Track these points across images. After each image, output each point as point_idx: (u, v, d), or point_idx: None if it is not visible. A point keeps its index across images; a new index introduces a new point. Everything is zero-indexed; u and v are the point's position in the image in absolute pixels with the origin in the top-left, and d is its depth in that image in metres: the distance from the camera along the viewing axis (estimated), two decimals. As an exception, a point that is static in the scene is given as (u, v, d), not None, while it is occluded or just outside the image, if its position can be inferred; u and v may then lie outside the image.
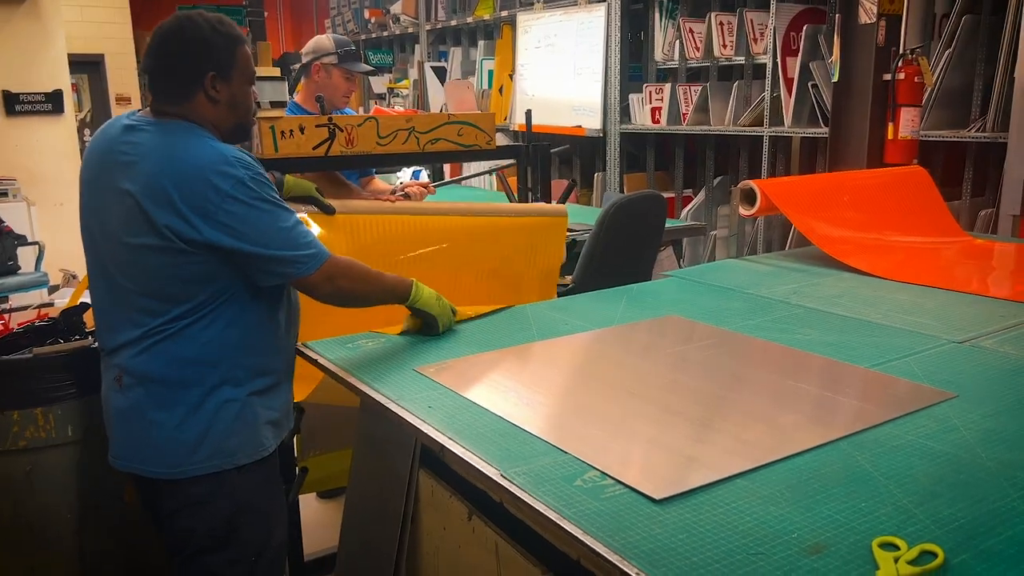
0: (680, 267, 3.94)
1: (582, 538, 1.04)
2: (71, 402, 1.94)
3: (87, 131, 9.38)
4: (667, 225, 3.61)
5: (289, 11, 12.09)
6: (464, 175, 5.19)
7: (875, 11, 3.10)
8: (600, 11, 5.35)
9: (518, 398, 1.51)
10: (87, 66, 9.00)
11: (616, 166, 5.43)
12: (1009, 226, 3.52)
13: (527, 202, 2.69)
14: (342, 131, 2.23)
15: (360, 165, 2.62)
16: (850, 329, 1.88)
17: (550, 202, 2.65)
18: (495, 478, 1.21)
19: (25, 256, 5.16)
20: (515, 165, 2.69)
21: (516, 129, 6.10)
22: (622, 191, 5.38)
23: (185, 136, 1.61)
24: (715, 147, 5.24)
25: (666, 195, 5.30)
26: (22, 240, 5.14)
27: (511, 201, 2.83)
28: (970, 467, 1.21)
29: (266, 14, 7.52)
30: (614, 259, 3.18)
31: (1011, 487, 1.15)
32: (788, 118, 4.42)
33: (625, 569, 0.98)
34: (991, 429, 1.34)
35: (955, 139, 3.78)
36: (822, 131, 4.27)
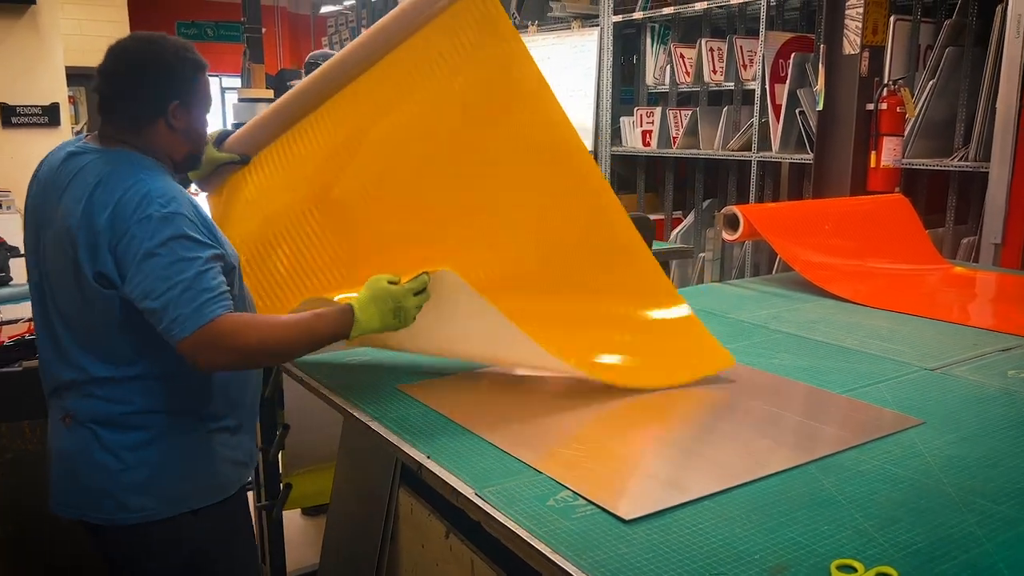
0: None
1: (551, 556, 1.07)
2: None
3: (83, 143, 9.42)
4: (654, 247, 3.66)
5: (288, 28, 12.20)
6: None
7: (859, 42, 3.17)
8: (593, 35, 5.43)
9: (497, 418, 1.54)
10: (85, 79, 9.04)
11: (607, 188, 5.48)
12: (991, 255, 3.58)
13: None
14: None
15: None
16: (825, 355, 1.92)
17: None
18: (470, 496, 1.24)
19: (17, 268, 5.18)
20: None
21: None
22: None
23: (126, 168, 1.50)
24: (704, 170, 5.31)
25: (655, 217, 5.38)
26: (15, 252, 5.16)
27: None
28: (931, 493, 1.25)
29: (264, 30, 7.57)
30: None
31: (969, 513, 1.18)
32: (776, 143, 4.50)
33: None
34: (954, 456, 1.37)
35: (938, 168, 3.85)
36: (809, 157, 4.33)
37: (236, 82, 14.54)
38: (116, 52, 1.55)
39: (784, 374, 1.79)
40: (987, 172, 3.55)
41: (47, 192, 1.54)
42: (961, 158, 3.82)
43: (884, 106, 3.15)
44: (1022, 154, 3.45)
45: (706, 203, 5.26)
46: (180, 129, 1.58)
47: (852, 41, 3.21)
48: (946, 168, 3.82)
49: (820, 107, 3.33)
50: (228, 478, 1.62)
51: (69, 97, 9.55)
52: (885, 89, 3.19)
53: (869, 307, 2.34)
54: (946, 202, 4.00)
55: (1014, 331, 2.08)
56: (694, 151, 4.99)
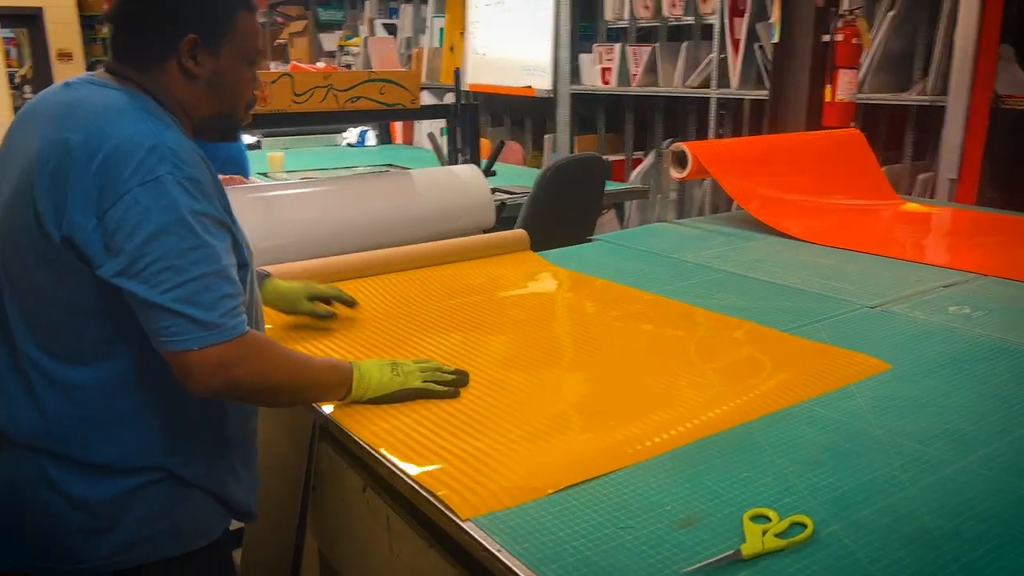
0: (620, 229, 3.90)
1: (447, 513, 1.01)
2: None
3: (28, 88, 9.07)
4: (609, 188, 3.57)
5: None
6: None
7: (815, -30, 3.06)
8: (550, -32, 5.24)
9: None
10: (24, 19, 8.67)
11: (567, 128, 5.36)
12: (947, 190, 3.53)
13: (456, 163, 2.63)
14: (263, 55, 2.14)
15: (275, 124, 2.53)
16: (765, 294, 1.86)
17: (478, 162, 2.59)
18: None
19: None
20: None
21: (467, 89, 5.99)
22: (572, 152, 5.33)
23: (128, 107, 1.14)
24: (664, 109, 5.20)
25: (616, 158, 5.28)
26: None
27: (442, 163, 2.76)
28: (858, 435, 1.20)
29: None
30: (551, 222, 3.13)
31: (896, 455, 1.13)
32: (735, 80, 4.39)
33: (486, 544, 0.95)
34: (886, 395, 1.32)
35: (895, 102, 3.78)
36: (765, 94, 4.24)
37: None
38: None
39: (724, 313, 1.73)
40: (944, 106, 3.49)
41: (14, 133, 1.20)
42: (919, 92, 3.75)
43: (840, 37, 3.05)
44: (979, 88, 3.38)
45: (666, 142, 5.16)
46: (200, 77, 1.20)
47: (808, -31, 3.09)
48: (903, 102, 3.75)
49: (776, 39, 3.22)
50: (212, 517, 1.30)
51: (9, 39, 9.19)
52: (840, 20, 3.08)
53: (817, 245, 2.28)
54: (904, 137, 3.94)
55: (960, 266, 2.03)
56: (654, 89, 4.87)
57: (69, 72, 8.39)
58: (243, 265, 1.24)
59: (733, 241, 2.35)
